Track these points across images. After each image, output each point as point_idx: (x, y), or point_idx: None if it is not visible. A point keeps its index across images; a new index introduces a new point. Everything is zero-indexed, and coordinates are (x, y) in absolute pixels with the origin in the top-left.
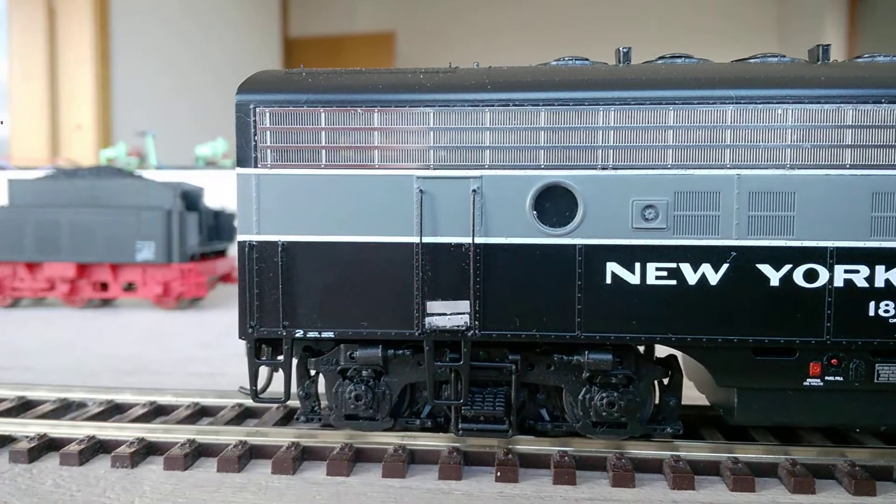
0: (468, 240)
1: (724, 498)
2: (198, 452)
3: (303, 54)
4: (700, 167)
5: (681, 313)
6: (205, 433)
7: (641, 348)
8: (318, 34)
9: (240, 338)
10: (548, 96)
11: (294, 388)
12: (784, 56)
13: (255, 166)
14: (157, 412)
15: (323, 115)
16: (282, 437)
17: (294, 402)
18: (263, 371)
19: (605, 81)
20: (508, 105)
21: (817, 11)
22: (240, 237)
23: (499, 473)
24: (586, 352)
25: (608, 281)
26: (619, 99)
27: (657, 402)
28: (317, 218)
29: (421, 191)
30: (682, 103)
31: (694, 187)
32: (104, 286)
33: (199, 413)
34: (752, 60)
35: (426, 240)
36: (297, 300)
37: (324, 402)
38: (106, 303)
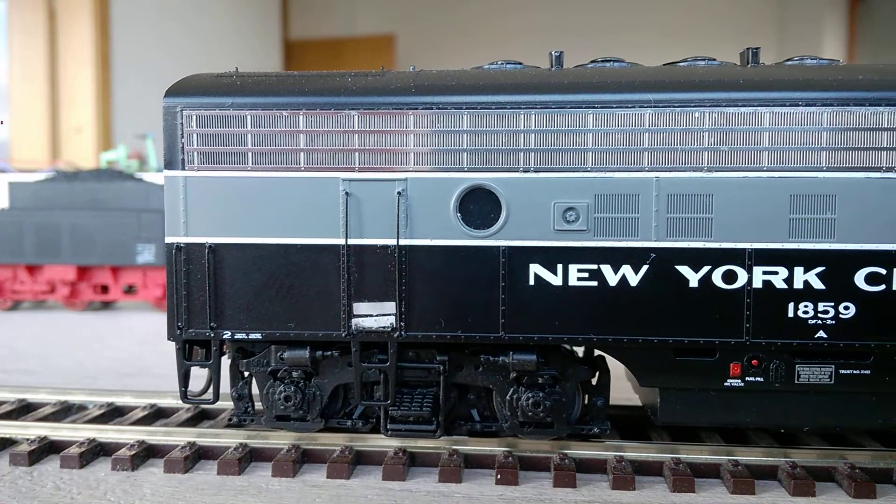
0: (393, 241)
1: (724, 500)
2: (198, 455)
3: (303, 57)
4: (619, 170)
5: (602, 314)
6: (205, 436)
7: (580, 350)
8: (319, 37)
9: (168, 339)
10: (470, 99)
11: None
12: (714, 59)
13: (183, 168)
14: (157, 415)
15: (249, 117)
16: (282, 440)
17: None
18: (205, 372)
19: (527, 85)
20: (432, 108)
21: (817, 14)
22: (168, 239)
23: (499, 476)
24: (511, 352)
25: (531, 282)
26: (539, 102)
27: (586, 402)
28: (244, 220)
29: (346, 193)
30: (602, 107)
31: (613, 190)
32: (104, 289)
33: (200, 416)
34: (681, 64)
35: (352, 241)
36: (225, 301)
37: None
38: (106, 305)
